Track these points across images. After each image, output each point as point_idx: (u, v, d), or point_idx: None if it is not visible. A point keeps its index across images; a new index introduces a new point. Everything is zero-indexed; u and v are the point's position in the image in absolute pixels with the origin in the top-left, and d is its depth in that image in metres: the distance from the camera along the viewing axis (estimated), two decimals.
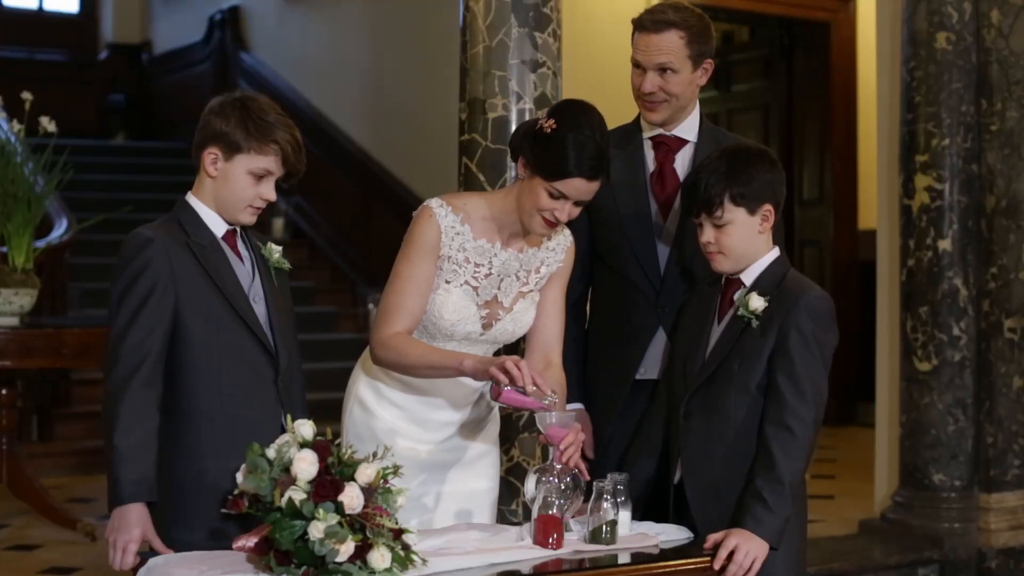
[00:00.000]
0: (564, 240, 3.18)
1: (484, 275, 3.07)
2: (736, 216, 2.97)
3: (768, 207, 2.99)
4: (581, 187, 2.95)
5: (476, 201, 3.11)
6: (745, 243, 2.99)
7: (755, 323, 2.95)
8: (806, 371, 2.90)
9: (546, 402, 2.81)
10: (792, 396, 2.89)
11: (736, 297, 3.02)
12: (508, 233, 3.09)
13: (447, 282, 3.05)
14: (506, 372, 2.77)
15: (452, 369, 2.92)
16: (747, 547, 2.81)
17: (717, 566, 2.82)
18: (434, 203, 3.06)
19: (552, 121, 2.97)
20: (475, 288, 3.07)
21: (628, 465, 3.16)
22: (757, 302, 2.95)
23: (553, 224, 3.01)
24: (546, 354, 3.16)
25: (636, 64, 3.35)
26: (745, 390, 2.94)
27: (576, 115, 2.98)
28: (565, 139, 2.93)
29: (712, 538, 2.86)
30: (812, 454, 2.96)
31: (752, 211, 2.98)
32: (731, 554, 2.81)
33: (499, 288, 3.10)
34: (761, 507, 2.84)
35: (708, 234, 3.00)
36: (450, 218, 3.04)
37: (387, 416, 3.13)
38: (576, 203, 2.99)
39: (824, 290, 3.03)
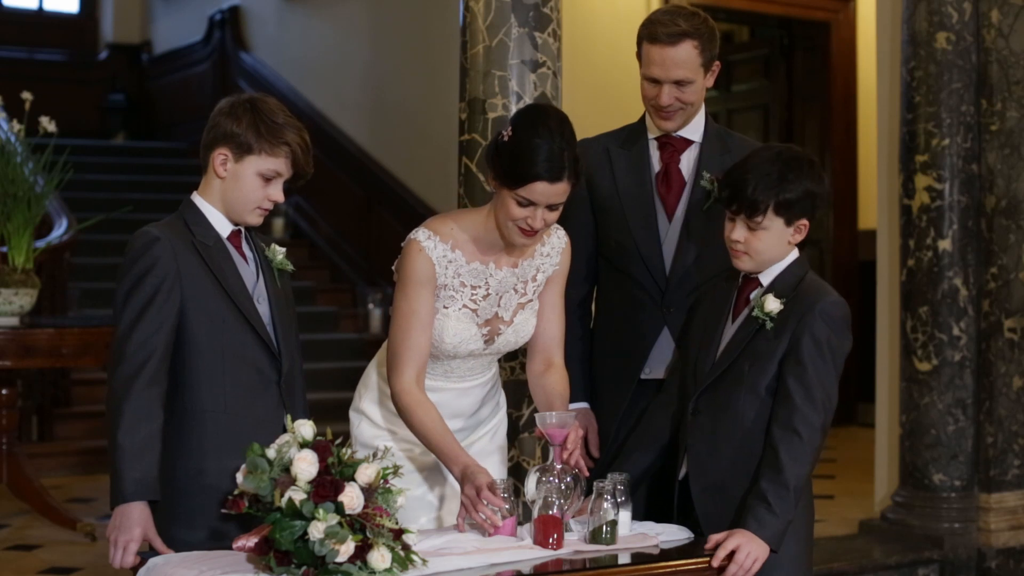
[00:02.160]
0: (559, 242, 3.15)
1: (482, 296, 3.04)
2: (774, 224, 2.95)
3: (804, 222, 2.98)
4: (545, 190, 2.88)
5: (462, 223, 3.05)
6: (773, 249, 2.98)
7: (769, 325, 2.94)
8: (818, 376, 2.90)
9: (506, 515, 2.81)
10: (802, 401, 2.88)
11: (752, 297, 3.01)
12: (499, 249, 3.05)
13: (445, 307, 3.02)
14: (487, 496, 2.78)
15: (441, 462, 2.95)
16: (748, 548, 2.81)
17: (716, 564, 2.82)
18: (421, 235, 3.00)
19: (509, 129, 2.93)
20: (474, 311, 3.04)
21: (626, 453, 3.16)
22: (773, 304, 2.94)
23: (530, 233, 2.94)
24: (548, 356, 3.16)
25: (651, 79, 3.29)
26: (754, 391, 2.94)
27: (531, 120, 2.93)
28: (520, 145, 2.87)
29: (714, 538, 2.85)
30: (818, 458, 2.96)
31: (790, 222, 2.96)
32: (731, 554, 2.81)
33: (499, 305, 3.07)
34: (764, 509, 2.84)
35: (740, 232, 2.97)
36: (440, 248, 2.99)
37: (393, 424, 3.11)
38: (550, 208, 2.92)
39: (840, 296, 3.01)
